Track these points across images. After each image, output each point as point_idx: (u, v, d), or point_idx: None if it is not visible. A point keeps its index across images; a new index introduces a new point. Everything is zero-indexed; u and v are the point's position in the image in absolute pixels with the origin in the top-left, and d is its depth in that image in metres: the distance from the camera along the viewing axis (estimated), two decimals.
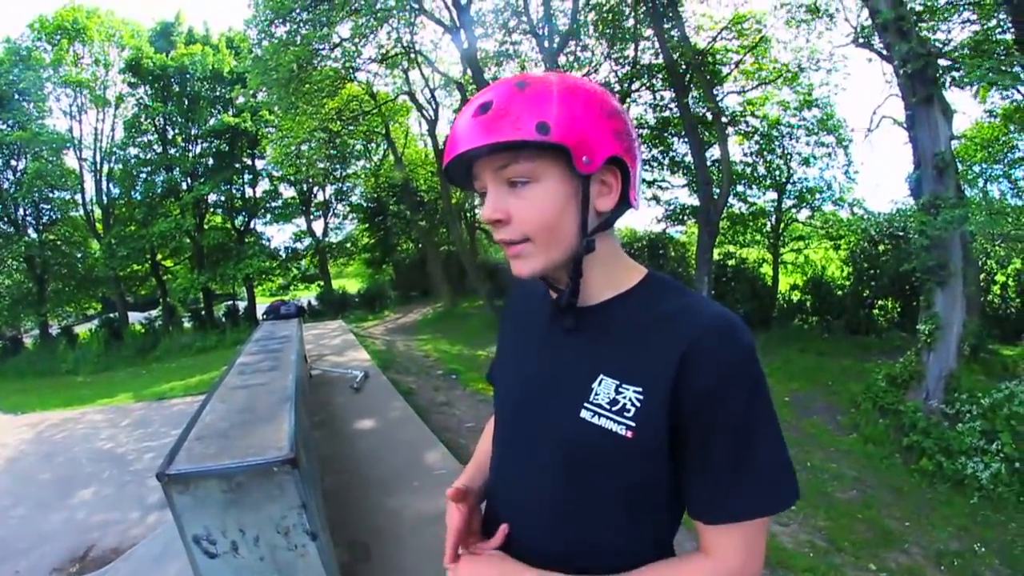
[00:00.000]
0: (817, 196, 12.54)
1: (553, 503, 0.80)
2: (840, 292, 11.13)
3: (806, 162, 12.38)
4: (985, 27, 6.49)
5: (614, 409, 0.73)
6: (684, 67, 10.63)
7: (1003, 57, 6.01)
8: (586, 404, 0.75)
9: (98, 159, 18.30)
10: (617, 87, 12.69)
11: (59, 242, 18.38)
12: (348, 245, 22.21)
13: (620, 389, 0.73)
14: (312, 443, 3.09)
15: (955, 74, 6.21)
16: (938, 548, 3.97)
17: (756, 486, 0.72)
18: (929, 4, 7.33)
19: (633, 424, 0.72)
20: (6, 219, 17.62)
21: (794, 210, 12.93)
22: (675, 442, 0.73)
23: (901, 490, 5.00)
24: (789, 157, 12.48)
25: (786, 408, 7.01)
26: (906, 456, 5.55)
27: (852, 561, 3.67)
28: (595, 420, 0.74)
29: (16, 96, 16.71)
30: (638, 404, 0.72)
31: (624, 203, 0.80)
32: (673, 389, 0.70)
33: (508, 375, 0.93)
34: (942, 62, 6.20)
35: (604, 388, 0.75)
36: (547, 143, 0.69)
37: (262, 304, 16.43)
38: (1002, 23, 6.87)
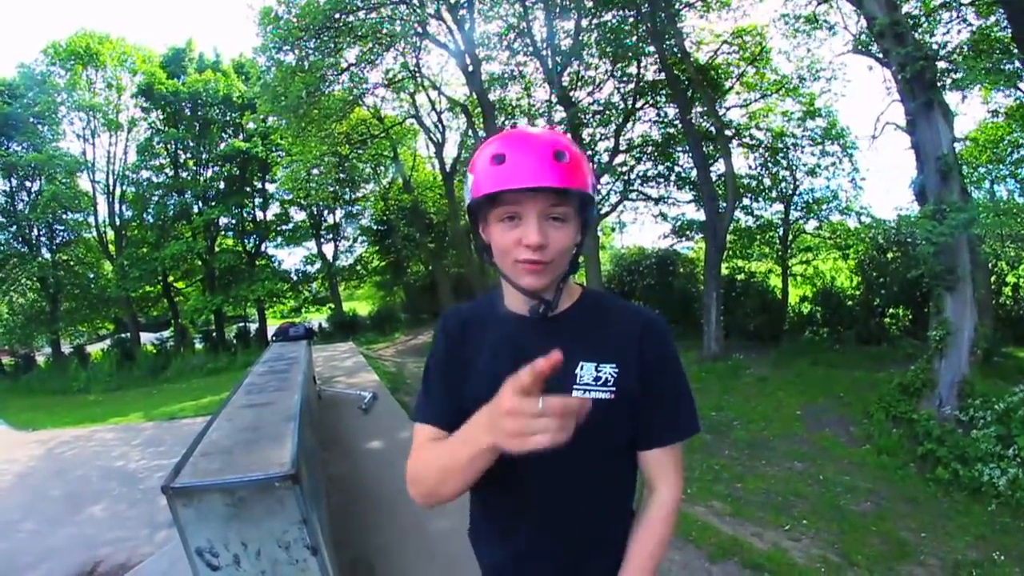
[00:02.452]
0: (824, 206, 12.49)
1: (563, 473, 1.01)
2: (850, 302, 11.04)
3: (812, 172, 12.36)
4: (983, 26, 6.46)
5: (598, 383, 1.00)
6: (686, 82, 10.71)
7: (1001, 55, 6.01)
8: (575, 386, 1.00)
9: (111, 182, 18.63)
10: (621, 105, 12.80)
11: (72, 263, 18.66)
12: (358, 268, 22.32)
13: (599, 368, 1.00)
14: (317, 461, 3.11)
15: (954, 76, 6.20)
16: (956, 558, 3.88)
17: (688, 415, 1.08)
18: (925, 5, 7.34)
19: (613, 389, 1.00)
20: (21, 239, 17.95)
21: (801, 221, 12.88)
22: (642, 397, 1.02)
23: (916, 500, 4.91)
24: (794, 168, 12.46)
25: (798, 422, 6.94)
26: (921, 465, 5.45)
27: (866, 575, 3.60)
28: (586, 394, 0.98)
29: (31, 119, 17.10)
30: (615, 375, 1.00)
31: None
32: (639, 359, 1.02)
33: (494, 386, 0.94)
34: (941, 64, 6.19)
35: (586, 371, 1.00)
36: (591, 198, 0.99)
37: (273, 326, 16.53)
38: (1000, 20, 6.86)
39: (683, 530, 3.95)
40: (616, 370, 1.00)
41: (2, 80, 17.56)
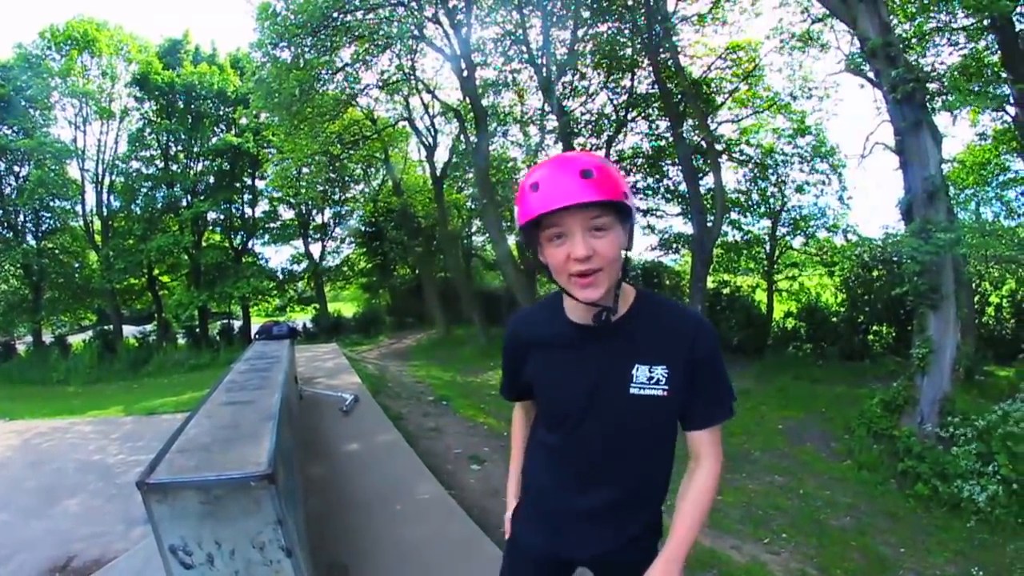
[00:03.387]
0: (811, 223, 12.65)
1: (617, 457, 1.24)
2: (834, 319, 11.17)
3: (800, 189, 12.53)
4: (973, 50, 6.59)
5: (651, 382, 1.16)
6: (679, 96, 10.81)
7: (990, 79, 6.12)
8: (631, 384, 1.17)
9: (100, 170, 18.35)
10: (613, 116, 12.88)
11: (57, 251, 18.38)
12: (345, 269, 22.15)
13: (652, 369, 1.16)
14: (295, 462, 3.07)
15: (945, 98, 6.31)
16: (934, 574, 3.92)
17: (726, 402, 1.23)
18: (918, 28, 7.47)
19: (667, 387, 1.16)
20: (6, 224, 17.63)
21: (788, 237, 13.03)
22: (689, 393, 1.18)
23: (896, 516, 4.95)
24: (783, 184, 12.63)
25: (779, 436, 6.98)
26: (901, 481, 5.51)
27: None
28: (641, 392, 1.16)
29: (23, 103, 16.86)
30: (667, 375, 1.16)
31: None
32: (688, 360, 1.16)
33: (558, 386, 1.27)
34: (931, 87, 6.30)
35: (641, 372, 1.17)
36: (626, 206, 1.06)
37: (257, 324, 16.41)
38: (991, 44, 7.00)
39: (661, 541, 3.95)
40: (667, 371, 1.16)
41: None
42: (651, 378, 1.16)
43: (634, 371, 1.16)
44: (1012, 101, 6.98)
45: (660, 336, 1.18)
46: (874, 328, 10.57)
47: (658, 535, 1.40)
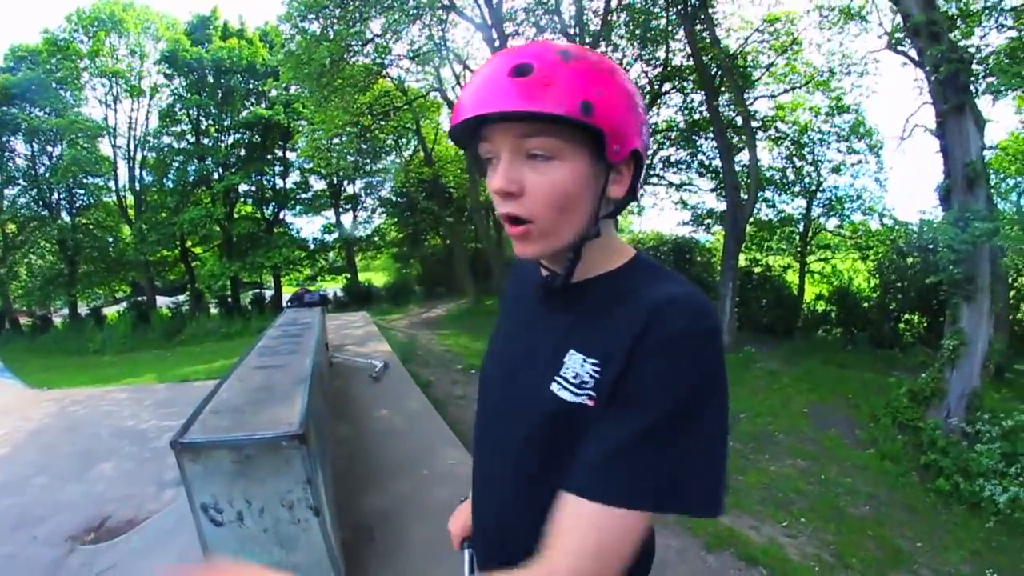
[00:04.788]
0: (847, 205, 12.31)
1: (525, 475, 0.81)
2: (866, 304, 10.92)
3: (836, 170, 12.18)
4: (1022, 32, 6.27)
5: (581, 385, 0.73)
6: (715, 69, 10.53)
7: None
8: (556, 377, 0.76)
9: (132, 147, 18.81)
10: (648, 88, 12.63)
11: (91, 226, 18.95)
12: (376, 239, 22.38)
13: (584, 363, 0.73)
14: (326, 425, 3.15)
15: (989, 80, 6.03)
16: (949, 571, 3.87)
17: (660, 471, 0.65)
18: (963, 7, 7.13)
19: (593, 393, 0.72)
20: (41, 203, 18.27)
21: (823, 218, 12.70)
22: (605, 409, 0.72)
23: (915, 509, 4.88)
24: (819, 164, 12.29)
25: (804, 420, 6.90)
26: (923, 474, 5.42)
27: None
28: (562, 393, 0.74)
29: (53, 85, 17.26)
30: (596, 376, 0.72)
31: (632, 194, 0.78)
32: (629, 357, 0.68)
33: (494, 356, 0.95)
34: (976, 68, 6.02)
35: (573, 361, 0.75)
36: (587, 124, 0.67)
37: (288, 294, 16.72)
38: None
39: (680, 518, 3.98)
40: (598, 368, 0.72)
41: (26, 46, 17.78)
42: (579, 376, 0.73)
43: (567, 358, 0.76)
44: None
45: (613, 316, 0.74)
46: (906, 316, 10.31)
47: None
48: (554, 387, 0.75)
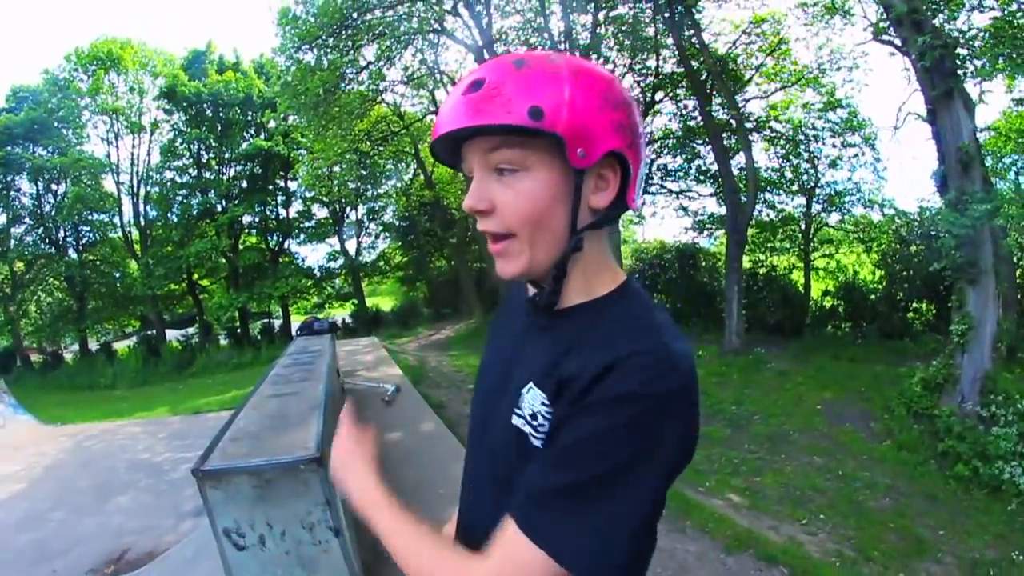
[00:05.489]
0: (846, 198, 12.31)
1: (496, 488, 0.78)
2: (873, 296, 10.88)
3: (833, 164, 12.20)
4: (1006, 11, 6.30)
5: (536, 425, 0.71)
6: (705, 74, 10.63)
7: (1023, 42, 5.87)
8: (515, 409, 0.74)
9: (135, 183, 19.07)
10: (640, 98, 12.74)
11: (98, 262, 19.19)
12: (381, 263, 22.50)
13: (541, 400, 0.71)
14: None
15: (976, 63, 6.08)
16: (973, 557, 3.84)
17: (549, 509, 0.64)
18: None
19: (543, 436, 0.70)
20: (48, 240, 18.56)
21: (824, 214, 12.69)
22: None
23: (936, 497, 4.85)
24: (816, 160, 12.30)
25: (818, 417, 6.88)
26: (941, 462, 5.39)
27: (881, 571, 3.59)
28: (521, 425, 0.73)
29: (55, 124, 17.63)
30: (548, 417, 0.70)
31: (621, 202, 0.74)
32: (577, 402, 0.65)
33: (477, 389, 0.93)
34: (961, 52, 6.07)
35: (531, 396, 0.73)
36: (538, 130, 0.64)
37: (297, 322, 16.81)
38: (1022, 7, 6.68)
39: (700, 521, 3.97)
40: (550, 410, 0.70)
41: (27, 87, 18.17)
42: (535, 415, 0.71)
43: (525, 391, 0.73)
44: None
45: (579, 353, 0.69)
46: (913, 305, 10.26)
47: None
48: (515, 420, 0.74)
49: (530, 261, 0.71)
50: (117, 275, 19.59)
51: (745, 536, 3.79)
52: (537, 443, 0.70)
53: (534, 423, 0.71)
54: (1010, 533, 4.21)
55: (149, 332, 20.16)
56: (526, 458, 0.70)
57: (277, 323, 21.02)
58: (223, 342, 19.64)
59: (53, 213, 18.07)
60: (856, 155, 12.01)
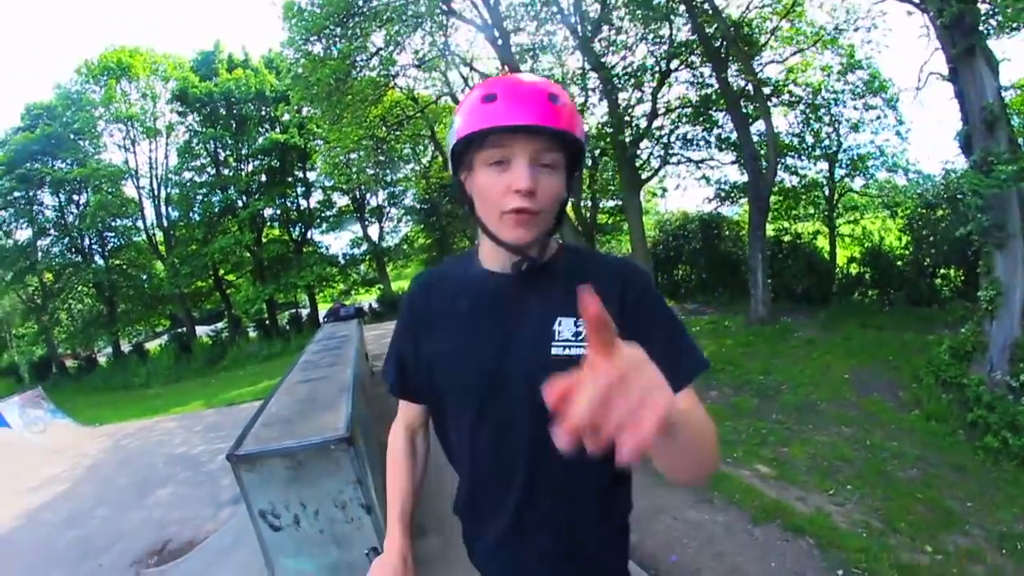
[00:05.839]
0: (870, 163, 11.98)
1: (544, 451, 0.84)
2: (900, 262, 10.64)
3: (855, 128, 11.84)
4: None
5: (578, 339, 0.92)
6: (720, 40, 10.38)
7: None
8: (554, 343, 0.94)
9: (155, 186, 19.47)
10: (655, 67, 12.50)
11: (125, 266, 19.75)
12: (405, 247, 22.72)
13: (578, 323, 0.93)
14: (371, 430, 3.27)
15: (996, 20, 5.82)
16: (1001, 530, 3.75)
17: (690, 354, 0.93)
18: None
19: None
20: (74, 249, 19.11)
21: (847, 179, 12.38)
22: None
23: (965, 468, 4.76)
24: (837, 124, 11.97)
25: (846, 386, 6.79)
26: (970, 432, 5.27)
27: (908, 543, 3.54)
28: (565, 351, 0.93)
29: (72, 136, 18.01)
30: None
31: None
32: (619, 308, 0.90)
33: (461, 355, 1.01)
34: (982, 7, 5.81)
35: (565, 327, 0.94)
36: (582, 147, 0.95)
37: (324, 310, 17.05)
38: None
39: (727, 492, 3.99)
40: None
41: (40, 103, 18.57)
42: (577, 333, 0.92)
43: (556, 326, 0.93)
44: None
45: (590, 282, 0.81)
46: (941, 271, 10.01)
47: (627, 553, 1.10)
48: (555, 351, 0.93)
49: (539, 233, 0.94)
50: (144, 277, 20.12)
51: (772, 507, 3.80)
52: (585, 350, 0.82)
53: (579, 340, 0.92)
54: None
55: (179, 330, 20.69)
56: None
57: (304, 312, 21.41)
58: (252, 334, 20.08)
59: (77, 223, 18.60)
60: (878, 117, 11.67)
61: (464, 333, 1.02)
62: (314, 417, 2.29)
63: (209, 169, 19.39)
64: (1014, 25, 5.56)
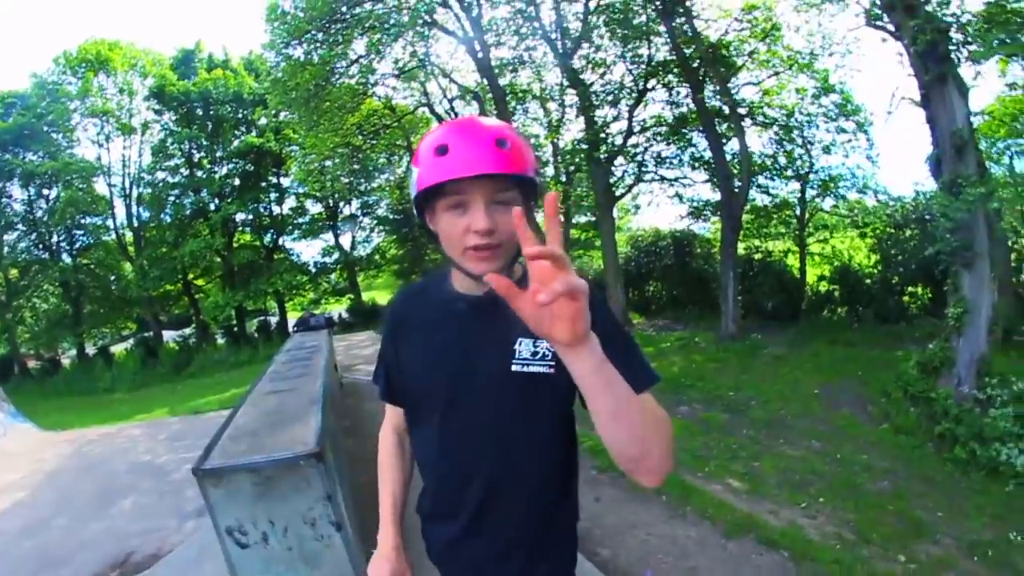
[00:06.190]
0: (841, 184, 12.31)
1: (504, 448, 1.06)
2: (868, 280, 10.91)
3: (827, 150, 12.16)
4: None
5: (536, 358, 1.02)
6: (697, 61, 10.59)
7: (1018, 26, 5.85)
8: (514, 361, 1.03)
9: (127, 184, 19.00)
10: (632, 86, 12.69)
11: (93, 266, 19.15)
12: (376, 257, 22.52)
13: (536, 343, 1.02)
14: (341, 444, 3.21)
15: (969, 48, 6.06)
16: (971, 538, 3.85)
17: (641, 367, 0.99)
18: None
19: (553, 363, 1.00)
20: (41, 246, 18.47)
21: (818, 199, 12.69)
22: None
23: (933, 480, 4.88)
24: (810, 146, 12.28)
25: (815, 402, 6.91)
26: (938, 445, 5.40)
27: (881, 553, 3.60)
28: (524, 369, 1.02)
29: (45, 128, 17.50)
30: (552, 350, 0.99)
31: None
32: None
33: (432, 366, 1.12)
34: (955, 36, 6.05)
35: (524, 347, 1.03)
36: (533, 182, 0.99)
37: (293, 319, 16.79)
38: None
39: (699, 507, 4.00)
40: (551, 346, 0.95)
41: (15, 92, 18.03)
42: (535, 353, 1.02)
43: (517, 346, 1.03)
44: None
45: None
46: (909, 289, 10.30)
47: (572, 562, 1.21)
48: (514, 367, 1.02)
49: (502, 264, 1.00)
50: (112, 278, 19.58)
51: (745, 520, 3.82)
52: (545, 368, 1.02)
53: (537, 359, 1.02)
54: (1008, 514, 4.21)
55: (146, 334, 20.15)
56: (536, 390, 1.02)
57: (274, 320, 21.07)
58: (220, 341, 19.66)
59: (46, 218, 18.02)
60: (849, 140, 12.00)
61: (434, 347, 1.12)
62: (283, 431, 2.22)
63: (183, 170, 18.99)
64: (983, 56, 5.78)
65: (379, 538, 1.30)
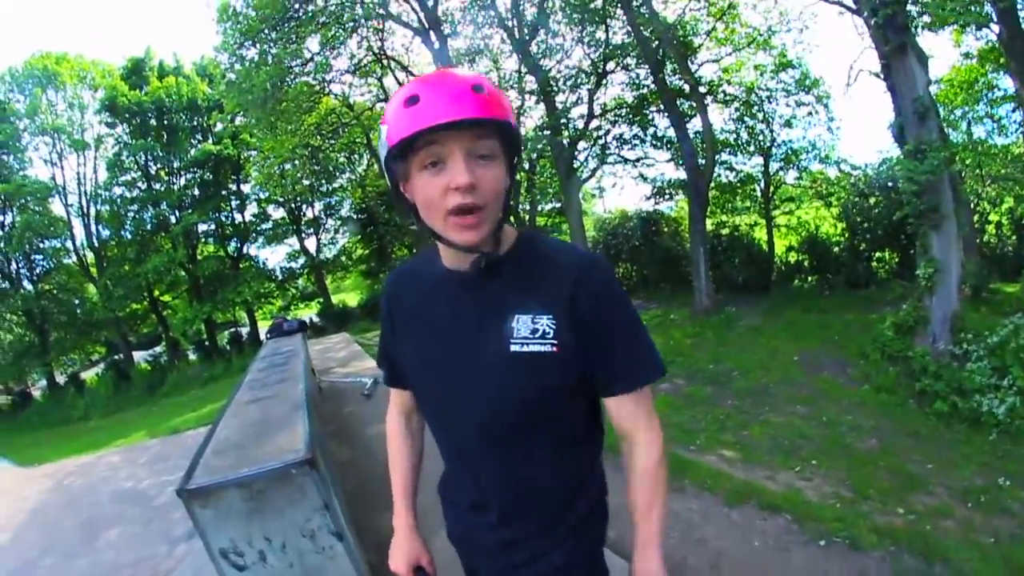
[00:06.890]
0: (803, 156, 12.50)
1: (503, 429, 0.99)
2: (836, 248, 11.13)
3: (788, 124, 12.33)
4: None
5: (536, 336, 0.94)
6: (657, 42, 10.61)
7: None
8: (512, 340, 0.94)
9: (84, 203, 18.36)
10: (591, 70, 12.66)
11: (55, 291, 18.47)
12: (343, 259, 22.17)
13: (535, 320, 0.94)
14: (328, 450, 3.10)
15: (926, 19, 6.20)
16: (963, 486, 3.96)
17: (645, 357, 0.99)
18: None
19: (555, 342, 0.93)
20: (0, 274, 17.60)
21: (782, 172, 12.88)
22: (584, 347, 0.94)
23: (919, 434, 4.99)
24: (771, 120, 12.44)
25: (796, 368, 7.01)
26: (920, 401, 5.54)
27: (880, 507, 3.67)
28: (524, 348, 0.94)
29: None
30: (554, 327, 0.93)
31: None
32: (571, 306, 0.93)
33: (429, 351, 1.06)
34: (912, 8, 6.18)
35: (522, 324, 0.94)
36: (515, 132, 0.91)
37: (265, 327, 16.44)
38: None
39: (697, 479, 4.00)
40: (553, 321, 0.93)
41: None
42: (535, 330, 0.94)
43: (514, 323, 0.95)
44: (995, 19, 6.86)
45: (543, 279, 0.96)
46: (876, 254, 10.54)
47: (601, 539, 1.15)
48: (513, 347, 0.94)
49: (488, 230, 0.91)
50: (76, 302, 18.90)
51: (744, 488, 3.84)
52: (547, 347, 0.93)
53: (537, 337, 0.94)
54: (994, 461, 4.34)
55: (116, 357, 19.56)
56: (540, 370, 0.94)
57: (245, 331, 20.72)
58: (192, 357, 19.23)
59: (2, 245, 17.22)
60: (810, 114, 12.19)
61: (427, 333, 1.06)
62: (269, 440, 2.10)
63: (140, 183, 18.40)
64: (940, 25, 5.88)
65: (394, 522, 1.29)
